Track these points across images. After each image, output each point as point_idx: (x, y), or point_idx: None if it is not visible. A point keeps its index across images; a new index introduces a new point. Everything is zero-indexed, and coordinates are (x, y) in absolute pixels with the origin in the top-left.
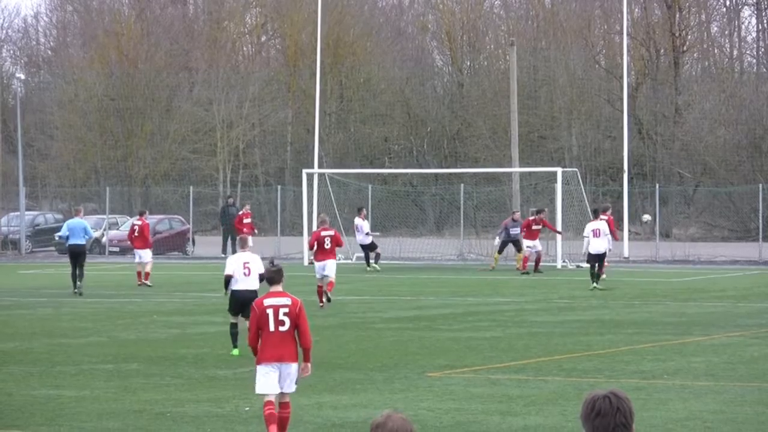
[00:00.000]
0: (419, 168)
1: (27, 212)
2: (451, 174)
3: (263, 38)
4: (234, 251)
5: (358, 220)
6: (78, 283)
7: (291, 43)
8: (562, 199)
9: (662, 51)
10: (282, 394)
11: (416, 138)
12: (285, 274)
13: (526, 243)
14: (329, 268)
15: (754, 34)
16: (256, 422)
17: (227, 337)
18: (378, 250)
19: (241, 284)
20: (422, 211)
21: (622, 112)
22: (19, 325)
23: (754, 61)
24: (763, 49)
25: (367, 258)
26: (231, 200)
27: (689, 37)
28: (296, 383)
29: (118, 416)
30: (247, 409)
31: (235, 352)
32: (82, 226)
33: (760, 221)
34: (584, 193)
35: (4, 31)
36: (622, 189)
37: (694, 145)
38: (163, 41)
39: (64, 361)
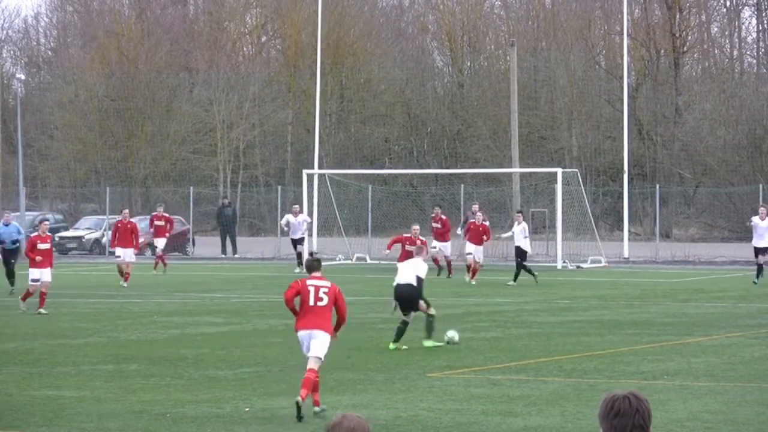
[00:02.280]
0: (419, 168)
1: (27, 212)
2: (451, 174)
3: (263, 38)
4: (235, 252)
5: (295, 217)
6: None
7: (291, 43)
8: (563, 200)
9: (662, 51)
10: (312, 360)
11: (416, 138)
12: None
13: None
14: None
15: (754, 35)
16: (256, 423)
17: (227, 337)
18: (301, 250)
19: None
20: (422, 212)
21: (622, 112)
22: (19, 325)
23: (755, 61)
24: (763, 50)
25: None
26: (227, 201)
27: (689, 37)
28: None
29: (118, 417)
30: (247, 409)
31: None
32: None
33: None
34: (584, 194)
35: (5, 32)
36: (623, 189)
37: (694, 146)
38: (164, 42)
39: (64, 362)
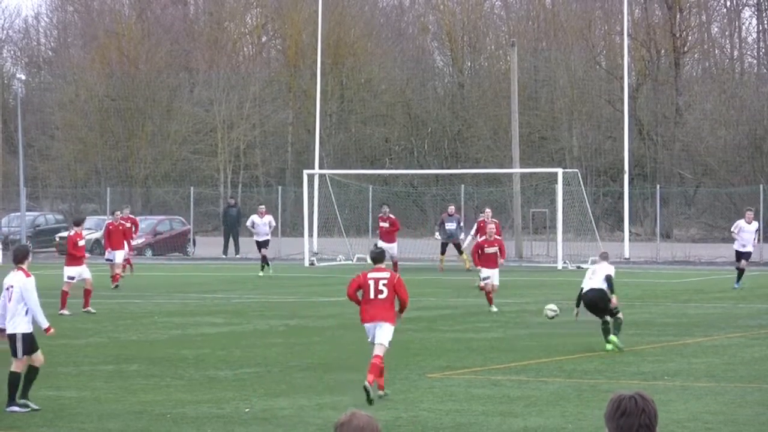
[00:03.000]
0: (420, 169)
1: (27, 213)
2: (451, 175)
3: (264, 39)
4: (237, 252)
5: (261, 218)
6: None
7: (291, 43)
8: (563, 200)
9: (663, 52)
10: (377, 347)
11: (417, 139)
12: (385, 257)
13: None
14: (493, 274)
15: (754, 35)
16: (256, 423)
17: (227, 338)
18: (265, 253)
19: None
20: (423, 212)
21: (622, 112)
22: None
23: (755, 61)
24: (763, 50)
25: (265, 259)
26: (233, 201)
27: (690, 37)
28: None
29: (119, 417)
30: (247, 410)
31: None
32: None
33: (761, 222)
34: (585, 194)
35: (5, 32)
36: (623, 190)
37: (694, 146)
38: (164, 42)
39: (64, 362)
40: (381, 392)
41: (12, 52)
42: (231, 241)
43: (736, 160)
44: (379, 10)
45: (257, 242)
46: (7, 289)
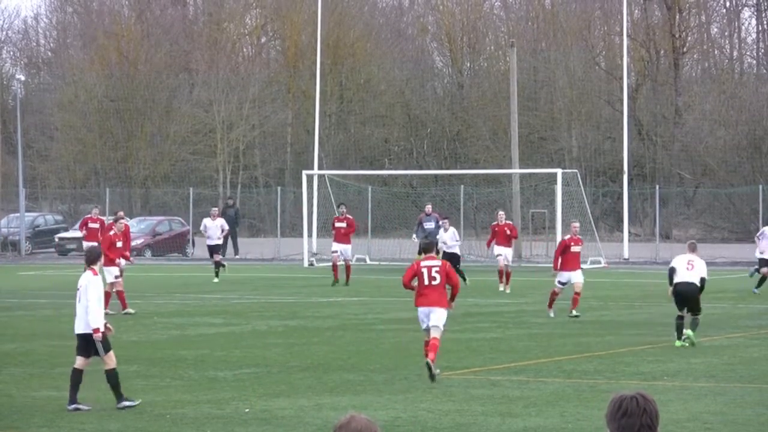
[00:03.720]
0: (419, 169)
1: (27, 213)
2: (451, 175)
3: (263, 39)
4: (236, 252)
5: (213, 221)
6: None
7: (291, 44)
8: (562, 201)
9: (662, 52)
10: (433, 329)
11: (416, 139)
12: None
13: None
14: (573, 276)
15: (754, 36)
16: (255, 423)
17: (227, 338)
18: (218, 259)
19: None
20: (422, 213)
21: (622, 113)
22: (19, 326)
23: (754, 62)
24: (763, 50)
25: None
26: (231, 201)
27: (689, 38)
28: (445, 326)
29: (118, 418)
30: (247, 410)
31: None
32: None
33: (760, 222)
34: (584, 195)
35: (4, 33)
36: (622, 190)
37: (694, 147)
38: (163, 42)
39: (64, 363)
40: (431, 364)
41: (11, 53)
42: (229, 241)
43: (736, 160)
44: (379, 10)
45: (208, 246)
46: (78, 289)
